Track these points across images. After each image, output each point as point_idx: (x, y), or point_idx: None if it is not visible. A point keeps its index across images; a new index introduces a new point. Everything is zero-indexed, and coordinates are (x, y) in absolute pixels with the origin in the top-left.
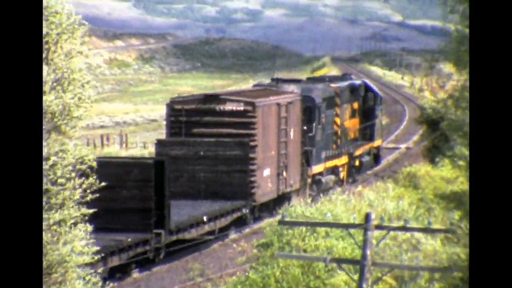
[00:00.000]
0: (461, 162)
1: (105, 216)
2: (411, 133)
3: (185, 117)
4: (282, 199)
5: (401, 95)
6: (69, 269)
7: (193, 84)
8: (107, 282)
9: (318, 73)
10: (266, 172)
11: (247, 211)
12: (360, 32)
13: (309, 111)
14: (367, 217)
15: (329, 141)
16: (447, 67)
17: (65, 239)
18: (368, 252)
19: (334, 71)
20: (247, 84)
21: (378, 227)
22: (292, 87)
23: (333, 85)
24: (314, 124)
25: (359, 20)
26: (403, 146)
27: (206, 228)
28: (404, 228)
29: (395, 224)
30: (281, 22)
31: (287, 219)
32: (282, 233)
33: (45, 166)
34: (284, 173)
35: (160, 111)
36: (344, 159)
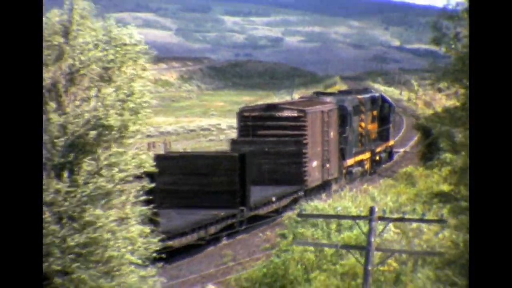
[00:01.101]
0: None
1: (202, 196)
2: (409, 139)
3: (251, 122)
4: (325, 185)
5: (400, 107)
6: (125, 263)
7: (225, 100)
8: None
9: (330, 90)
10: (314, 164)
11: (302, 193)
12: (364, 55)
13: (343, 117)
14: (371, 210)
15: (357, 140)
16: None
17: (122, 235)
18: (372, 239)
19: (344, 87)
20: (271, 99)
21: (381, 218)
22: (329, 99)
23: (359, 96)
24: (347, 127)
25: (363, 45)
26: (401, 150)
27: (274, 206)
28: (402, 219)
29: (395, 215)
30: (299, 47)
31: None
32: (298, 225)
33: (107, 172)
34: (327, 165)
35: (197, 123)
36: (367, 155)
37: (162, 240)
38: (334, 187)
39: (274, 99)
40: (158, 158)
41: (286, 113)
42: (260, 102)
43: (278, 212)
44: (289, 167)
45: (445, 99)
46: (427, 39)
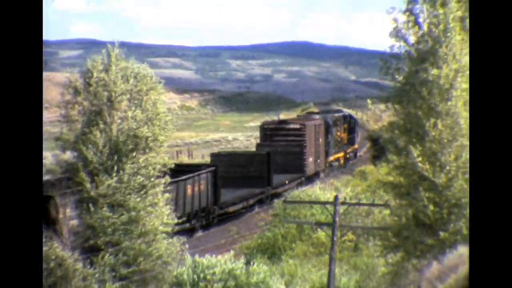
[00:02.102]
0: (391, 165)
1: (243, 180)
2: (362, 146)
3: (269, 132)
4: (316, 173)
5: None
6: (158, 234)
7: (231, 120)
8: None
9: (306, 112)
10: (310, 159)
11: (303, 179)
12: (330, 86)
13: (327, 129)
14: (336, 198)
15: (335, 144)
16: (381, 107)
17: (155, 215)
18: (337, 219)
19: (316, 110)
20: (264, 118)
21: (343, 203)
22: (318, 116)
23: (336, 115)
24: (329, 135)
25: (330, 79)
26: (358, 154)
27: (286, 187)
28: (358, 204)
29: (353, 201)
30: (283, 82)
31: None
32: (286, 208)
33: (144, 171)
34: (318, 160)
35: (211, 136)
36: (342, 154)
37: (221, 208)
38: (322, 175)
39: (266, 118)
40: (214, 156)
41: (292, 126)
42: (256, 122)
43: (288, 191)
44: (294, 161)
45: (388, 116)
46: (375, 75)
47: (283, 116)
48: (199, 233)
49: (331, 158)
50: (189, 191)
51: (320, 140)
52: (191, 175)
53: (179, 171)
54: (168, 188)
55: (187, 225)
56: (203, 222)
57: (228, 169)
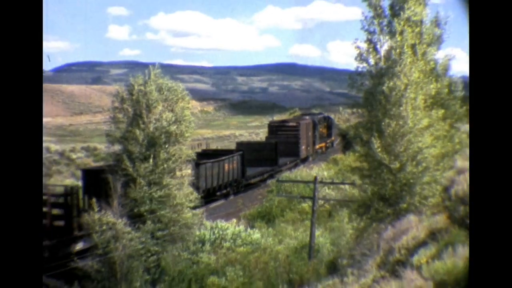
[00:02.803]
0: (357, 153)
1: (258, 161)
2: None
3: (275, 128)
4: (307, 157)
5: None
6: (184, 207)
7: (238, 121)
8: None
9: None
10: (303, 147)
11: (299, 160)
12: (311, 96)
13: (314, 126)
14: (315, 178)
15: (319, 137)
16: (348, 111)
17: (181, 191)
18: (316, 193)
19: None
20: (262, 120)
21: (320, 182)
22: (308, 117)
23: (319, 116)
24: (316, 130)
25: (310, 91)
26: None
27: (287, 166)
28: (332, 183)
29: (329, 181)
30: (276, 93)
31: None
32: (279, 185)
33: (172, 158)
34: (308, 148)
35: (223, 133)
36: (323, 144)
37: (246, 180)
38: (310, 158)
39: (265, 120)
40: (239, 144)
41: (290, 124)
42: (256, 123)
43: (289, 169)
44: (292, 148)
45: (355, 118)
46: (345, 87)
47: (276, 118)
48: (231, 197)
49: (316, 146)
50: (226, 167)
51: (309, 134)
52: (227, 156)
53: (212, 154)
54: (213, 165)
55: (224, 191)
56: (235, 190)
57: (249, 153)
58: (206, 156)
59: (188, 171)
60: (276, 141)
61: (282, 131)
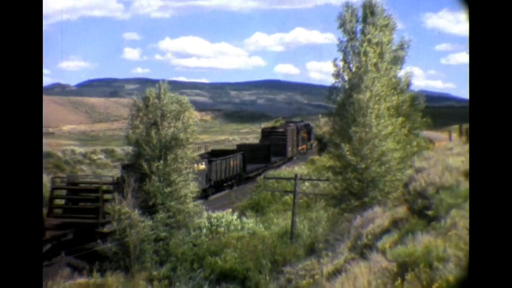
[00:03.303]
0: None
1: (254, 159)
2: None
3: (267, 133)
4: (292, 157)
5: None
6: (185, 198)
7: (231, 128)
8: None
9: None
10: (289, 148)
11: (286, 159)
12: (292, 107)
13: (297, 131)
14: (296, 176)
15: (301, 140)
16: (323, 120)
17: (186, 186)
18: (297, 188)
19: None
20: (253, 127)
21: (300, 179)
22: (292, 124)
23: (301, 123)
24: (299, 135)
25: (292, 103)
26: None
27: (277, 164)
28: (310, 179)
29: (307, 177)
30: (263, 104)
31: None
32: (265, 182)
33: (179, 159)
34: (293, 149)
35: (219, 137)
36: (305, 146)
37: (246, 173)
38: (295, 158)
39: (253, 127)
40: (239, 146)
41: (279, 129)
42: (247, 129)
43: (278, 166)
44: (281, 149)
45: (329, 126)
46: (321, 100)
47: (263, 125)
48: (235, 187)
49: (299, 148)
50: (231, 164)
51: (294, 138)
52: (232, 155)
53: (220, 154)
54: (221, 162)
55: (229, 182)
56: (238, 182)
57: (247, 153)
58: (215, 155)
59: (202, 166)
60: (269, 143)
61: (273, 135)
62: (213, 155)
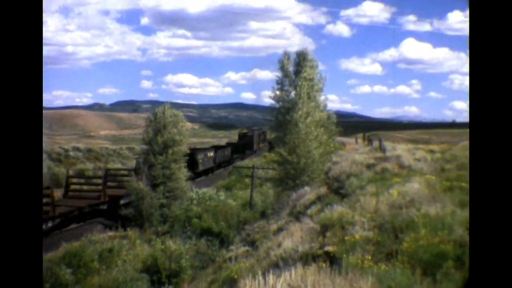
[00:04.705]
0: (277, 152)
1: (236, 152)
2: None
3: (242, 135)
4: (256, 151)
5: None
6: (180, 180)
7: (212, 134)
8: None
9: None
10: (255, 146)
11: (253, 152)
12: (252, 121)
13: (259, 135)
14: (253, 165)
15: (261, 141)
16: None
17: (180, 171)
18: (254, 174)
19: (246, 130)
20: (231, 134)
21: (256, 167)
22: (256, 130)
23: (260, 130)
24: (260, 137)
25: (252, 118)
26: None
27: (248, 154)
28: (263, 168)
29: (260, 167)
30: (234, 119)
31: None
32: (236, 169)
33: (176, 154)
34: (257, 146)
35: (203, 140)
36: (263, 145)
37: (233, 159)
38: (257, 152)
39: (226, 133)
40: (227, 143)
41: (249, 133)
42: (222, 135)
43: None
44: (250, 146)
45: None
46: (271, 116)
47: (238, 131)
48: (229, 167)
49: (260, 145)
50: (226, 153)
51: (257, 139)
52: (226, 148)
53: (219, 147)
54: (221, 151)
55: (224, 164)
56: (228, 164)
57: (232, 147)
58: (216, 148)
59: (211, 154)
60: (243, 142)
61: (245, 137)
62: (215, 148)
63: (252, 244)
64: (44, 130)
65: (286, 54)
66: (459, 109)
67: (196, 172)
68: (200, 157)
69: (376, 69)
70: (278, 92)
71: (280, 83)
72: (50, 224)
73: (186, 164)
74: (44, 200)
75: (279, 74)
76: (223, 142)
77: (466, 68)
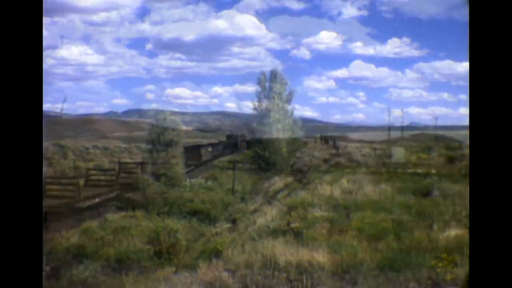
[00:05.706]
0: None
1: (225, 149)
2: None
3: (229, 136)
4: (239, 148)
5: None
6: (177, 172)
7: (203, 135)
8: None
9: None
10: (239, 143)
11: (237, 149)
12: (234, 126)
13: (241, 136)
14: (234, 160)
15: (242, 141)
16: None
17: (177, 166)
18: (235, 166)
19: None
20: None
21: (237, 162)
22: (239, 133)
23: (241, 133)
24: (241, 139)
25: (234, 124)
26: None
27: (231, 150)
28: (243, 162)
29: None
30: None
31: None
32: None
33: (174, 150)
34: (241, 144)
35: (199, 141)
36: (243, 144)
37: (224, 153)
38: (240, 149)
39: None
40: (219, 141)
41: (234, 135)
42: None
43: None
44: (235, 145)
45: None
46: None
47: (227, 135)
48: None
49: (242, 144)
50: (219, 149)
51: (240, 139)
52: (221, 144)
53: (215, 144)
54: (217, 146)
55: (220, 157)
56: (221, 156)
57: (224, 144)
58: (213, 144)
59: (210, 149)
60: (231, 141)
61: (231, 138)
62: (213, 145)
63: (234, 222)
64: (69, 133)
65: (263, 74)
66: (396, 115)
67: (200, 161)
68: (203, 151)
69: (331, 84)
70: (256, 103)
71: (258, 96)
72: (88, 203)
73: (192, 156)
74: (71, 187)
75: (258, 88)
76: (213, 142)
77: (402, 83)
